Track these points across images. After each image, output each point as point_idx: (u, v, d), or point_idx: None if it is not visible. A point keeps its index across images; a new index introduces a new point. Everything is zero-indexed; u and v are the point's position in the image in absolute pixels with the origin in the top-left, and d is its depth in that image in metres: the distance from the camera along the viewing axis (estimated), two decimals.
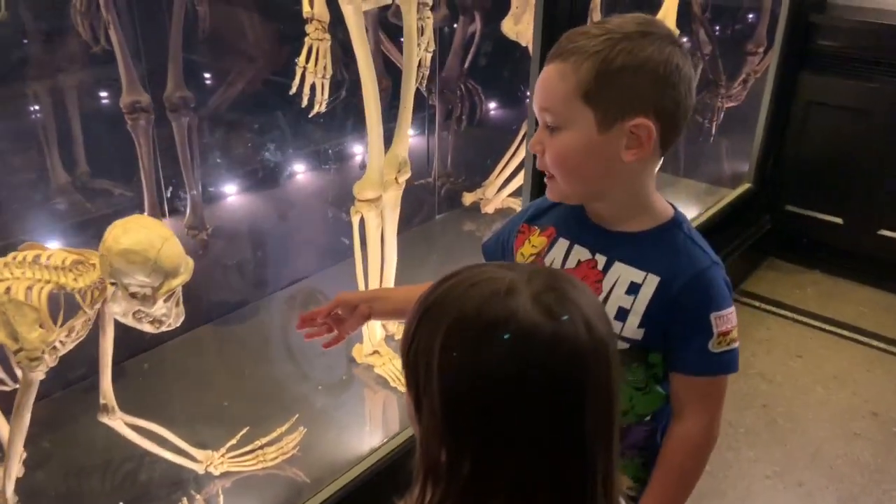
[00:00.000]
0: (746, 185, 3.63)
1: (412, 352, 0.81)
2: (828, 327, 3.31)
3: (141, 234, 1.50)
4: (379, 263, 2.32)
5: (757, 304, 3.47)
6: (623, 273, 1.22)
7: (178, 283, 1.54)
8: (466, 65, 3.57)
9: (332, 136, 3.34)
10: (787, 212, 3.70)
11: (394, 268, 2.45)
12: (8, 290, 1.48)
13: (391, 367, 2.37)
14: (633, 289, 1.21)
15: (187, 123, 2.86)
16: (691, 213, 3.52)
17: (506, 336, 0.75)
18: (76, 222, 2.98)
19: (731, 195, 3.61)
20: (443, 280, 0.84)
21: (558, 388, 0.77)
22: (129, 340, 2.27)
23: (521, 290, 0.78)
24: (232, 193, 3.36)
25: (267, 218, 3.29)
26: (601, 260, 1.25)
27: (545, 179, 1.25)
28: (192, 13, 2.84)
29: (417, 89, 3.47)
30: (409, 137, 2.29)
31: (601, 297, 1.23)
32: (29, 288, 1.50)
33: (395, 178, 2.28)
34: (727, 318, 1.20)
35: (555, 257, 1.29)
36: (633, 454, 1.32)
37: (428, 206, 3.37)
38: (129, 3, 2.68)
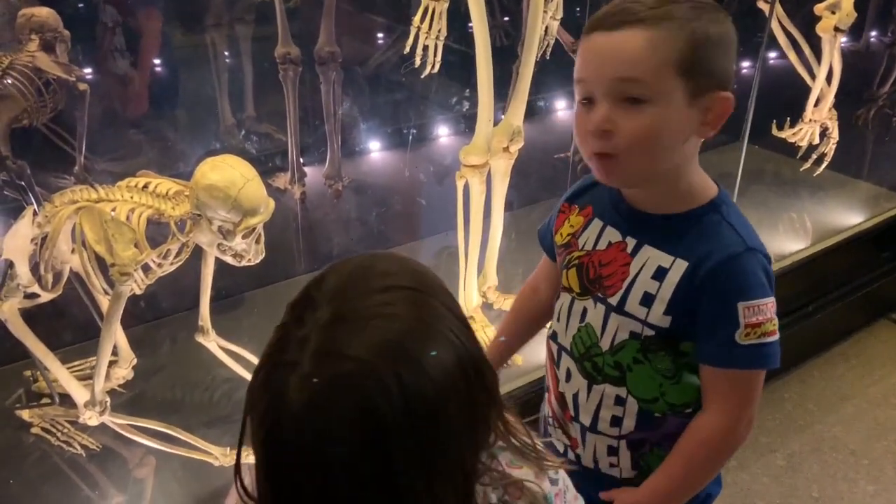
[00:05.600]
0: None
1: None
2: None
3: (226, 172, 1.61)
4: (480, 231, 2.32)
5: None
6: (651, 257, 1.17)
7: (256, 221, 1.64)
8: None
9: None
10: None
11: (499, 237, 2.45)
12: (114, 209, 1.66)
13: (483, 335, 2.39)
14: (660, 274, 1.15)
15: (333, 77, 3.01)
16: (857, 218, 3.19)
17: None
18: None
19: None
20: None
21: (302, 464, 0.74)
22: (251, 274, 2.47)
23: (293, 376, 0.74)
24: (374, 150, 3.50)
25: (402, 176, 3.39)
26: (631, 243, 1.19)
27: (598, 162, 1.12)
28: None
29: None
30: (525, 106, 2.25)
31: (627, 281, 1.18)
32: (131, 210, 1.68)
33: (507, 147, 2.27)
34: (759, 309, 1.11)
35: (588, 237, 1.25)
36: (669, 445, 1.25)
37: (561, 180, 3.31)
38: None
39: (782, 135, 3.08)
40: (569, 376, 1.28)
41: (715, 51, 1.08)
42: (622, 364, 1.21)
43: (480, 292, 2.47)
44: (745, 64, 3.50)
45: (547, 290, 1.40)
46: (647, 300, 1.16)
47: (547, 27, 2.32)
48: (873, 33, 4.18)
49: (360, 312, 0.75)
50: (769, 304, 1.12)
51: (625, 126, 1.07)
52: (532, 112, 3.77)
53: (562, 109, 4.00)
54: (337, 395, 0.72)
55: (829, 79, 2.96)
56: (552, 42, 2.42)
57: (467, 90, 3.46)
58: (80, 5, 3.01)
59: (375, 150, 3.55)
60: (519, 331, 1.47)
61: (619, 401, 1.23)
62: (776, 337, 1.13)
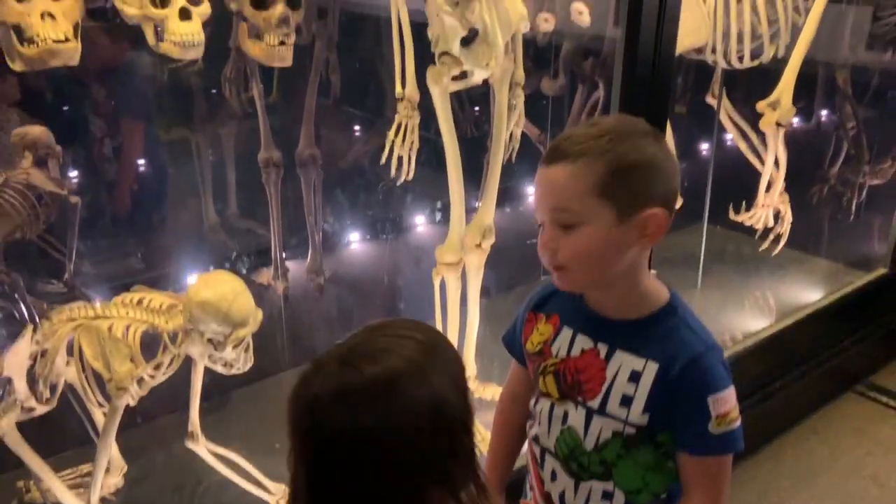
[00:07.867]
0: (882, 270, 3.39)
1: None
2: None
3: (217, 288, 1.72)
4: (457, 322, 2.44)
5: (885, 399, 3.20)
6: (624, 361, 1.28)
7: (245, 333, 1.74)
8: None
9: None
10: None
11: (475, 330, 2.56)
12: (110, 327, 1.76)
13: None
14: (635, 377, 1.27)
15: (314, 178, 3.16)
16: (817, 294, 3.34)
17: None
18: (220, 258, 3.37)
19: (863, 279, 3.38)
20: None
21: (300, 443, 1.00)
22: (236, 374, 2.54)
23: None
24: (354, 242, 3.64)
25: (382, 268, 3.53)
26: (603, 349, 1.30)
27: (553, 272, 1.29)
28: (326, 82, 3.17)
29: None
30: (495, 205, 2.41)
31: (605, 385, 1.28)
32: (127, 326, 1.77)
33: (479, 244, 2.41)
34: (724, 400, 1.24)
35: (560, 346, 1.35)
36: None
37: (535, 265, 3.45)
38: (271, 74, 3.02)
39: (739, 218, 3.25)
40: (554, 476, 1.37)
41: (636, 174, 1.22)
42: (607, 461, 1.31)
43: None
44: (704, 147, 3.71)
45: (524, 394, 1.49)
46: (626, 401, 1.27)
47: (511, 133, 2.49)
48: (824, 112, 4.44)
49: (376, 344, 1.00)
50: (732, 393, 1.26)
51: (564, 245, 1.23)
52: (505, 200, 3.94)
53: (533, 196, 4.18)
54: (337, 400, 0.95)
55: (777, 164, 3.16)
56: (517, 147, 2.60)
57: (440, 197, 3.62)
58: (65, 107, 3.15)
59: (355, 243, 3.70)
60: (512, 441, 1.53)
61: (607, 495, 1.32)
62: (740, 421, 1.26)
